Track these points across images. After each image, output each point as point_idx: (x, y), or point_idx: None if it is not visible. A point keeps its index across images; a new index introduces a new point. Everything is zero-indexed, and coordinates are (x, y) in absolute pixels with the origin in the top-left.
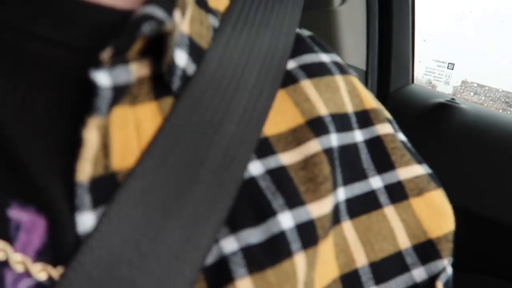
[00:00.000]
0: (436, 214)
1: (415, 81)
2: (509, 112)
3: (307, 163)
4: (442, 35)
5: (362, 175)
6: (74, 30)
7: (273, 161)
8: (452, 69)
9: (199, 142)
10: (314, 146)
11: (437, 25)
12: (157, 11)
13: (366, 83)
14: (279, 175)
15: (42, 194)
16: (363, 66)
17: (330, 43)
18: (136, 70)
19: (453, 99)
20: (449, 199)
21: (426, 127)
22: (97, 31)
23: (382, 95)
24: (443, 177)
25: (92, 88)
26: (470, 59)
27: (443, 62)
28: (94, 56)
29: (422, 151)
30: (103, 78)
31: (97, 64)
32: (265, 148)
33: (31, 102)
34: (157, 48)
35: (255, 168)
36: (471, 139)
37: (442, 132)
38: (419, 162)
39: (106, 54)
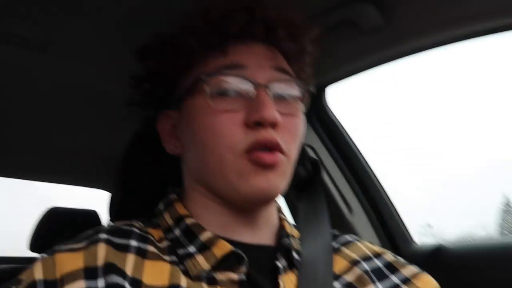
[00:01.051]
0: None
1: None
2: None
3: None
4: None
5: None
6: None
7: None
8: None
9: (314, 285)
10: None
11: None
12: (288, 242)
13: None
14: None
15: None
16: (377, 242)
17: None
18: (284, 262)
19: (440, 244)
20: None
21: (438, 271)
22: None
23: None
24: None
25: (277, 268)
26: None
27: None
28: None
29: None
30: (279, 265)
31: (277, 259)
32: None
33: (259, 267)
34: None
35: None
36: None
37: (442, 267)
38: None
39: (280, 263)
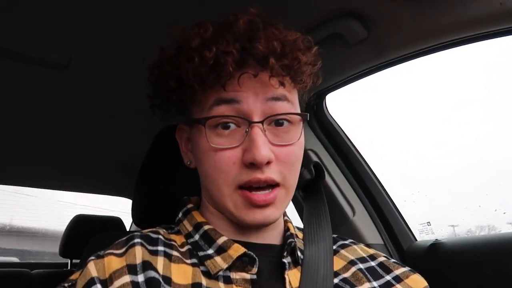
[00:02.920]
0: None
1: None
2: None
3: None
4: None
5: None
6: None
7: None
8: (430, 225)
9: (316, 280)
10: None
11: None
12: (293, 242)
13: (388, 250)
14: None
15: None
16: (381, 241)
17: (355, 236)
18: (289, 259)
19: (437, 239)
20: None
21: (435, 264)
22: (274, 249)
23: (400, 253)
24: None
25: (283, 264)
26: None
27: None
28: (281, 257)
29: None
30: (285, 261)
31: (283, 257)
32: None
33: (268, 264)
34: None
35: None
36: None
37: (438, 260)
38: (404, 266)
39: (286, 259)
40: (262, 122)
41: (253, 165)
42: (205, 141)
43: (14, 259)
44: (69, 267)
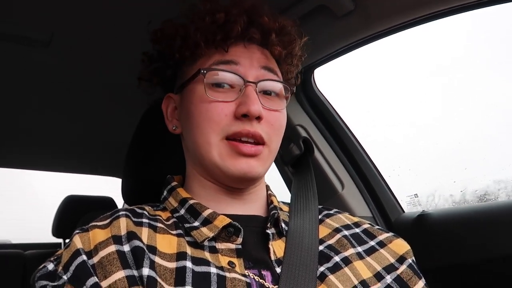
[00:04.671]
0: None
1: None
2: None
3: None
4: None
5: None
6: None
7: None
8: (417, 196)
9: (300, 250)
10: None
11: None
12: (276, 213)
13: (376, 222)
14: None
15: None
16: (369, 214)
17: (344, 210)
18: (273, 230)
19: (424, 211)
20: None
21: (422, 235)
22: (258, 220)
23: (388, 225)
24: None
25: (267, 235)
26: None
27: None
28: (265, 228)
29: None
30: (269, 232)
31: (267, 228)
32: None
33: (252, 235)
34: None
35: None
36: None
37: (425, 231)
38: (387, 232)
39: (270, 230)
40: (256, 83)
41: (244, 118)
42: (202, 92)
43: (7, 240)
44: (62, 247)
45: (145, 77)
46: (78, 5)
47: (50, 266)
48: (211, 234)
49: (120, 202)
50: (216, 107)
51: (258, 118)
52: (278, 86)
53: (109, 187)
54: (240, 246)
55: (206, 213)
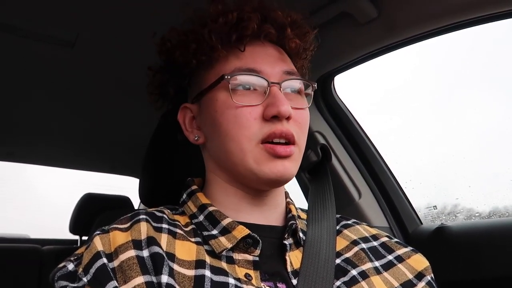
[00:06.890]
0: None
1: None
2: None
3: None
4: None
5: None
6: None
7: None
8: (436, 208)
9: (317, 261)
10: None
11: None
12: (294, 224)
13: (393, 233)
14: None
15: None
16: (386, 224)
17: (360, 219)
18: (290, 240)
19: (442, 223)
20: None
21: (440, 248)
22: (276, 231)
23: (405, 237)
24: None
25: (284, 246)
26: None
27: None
28: (282, 239)
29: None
30: (286, 243)
31: (284, 239)
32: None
33: (269, 246)
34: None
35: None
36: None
37: (444, 244)
38: (406, 247)
39: (287, 241)
40: (280, 83)
41: (275, 119)
42: (228, 98)
43: (26, 235)
44: (79, 244)
45: (155, 92)
46: (101, 8)
47: (70, 266)
48: (229, 245)
49: (136, 201)
50: (244, 112)
51: (287, 118)
52: (300, 84)
53: (121, 186)
54: (257, 258)
55: (225, 222)
